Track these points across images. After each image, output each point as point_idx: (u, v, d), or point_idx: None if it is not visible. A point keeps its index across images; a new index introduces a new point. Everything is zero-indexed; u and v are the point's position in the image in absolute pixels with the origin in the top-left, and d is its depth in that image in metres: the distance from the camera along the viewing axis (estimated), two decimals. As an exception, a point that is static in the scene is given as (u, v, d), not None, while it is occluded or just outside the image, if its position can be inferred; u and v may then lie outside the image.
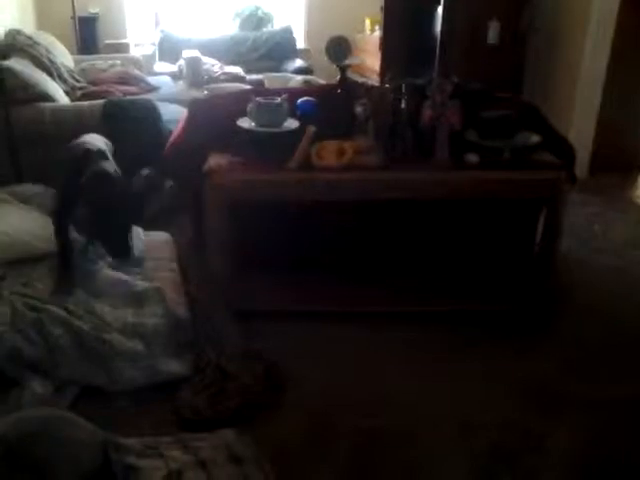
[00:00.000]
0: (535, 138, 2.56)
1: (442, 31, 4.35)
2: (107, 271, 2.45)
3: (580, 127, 4.26)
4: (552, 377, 2.25)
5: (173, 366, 2.14)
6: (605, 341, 2.48)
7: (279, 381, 2.17)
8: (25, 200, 3.02)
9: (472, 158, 2.49)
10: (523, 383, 2.21)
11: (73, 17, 5.74)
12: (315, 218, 2.74)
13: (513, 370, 2.28)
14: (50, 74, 4.04)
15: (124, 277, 2.42)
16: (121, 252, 2.50)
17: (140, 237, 2.80)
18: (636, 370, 2.31)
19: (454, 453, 1.89)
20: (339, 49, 2.65)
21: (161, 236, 2.92)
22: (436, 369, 2.29)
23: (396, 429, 1.98)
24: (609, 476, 1.82)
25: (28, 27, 5.12)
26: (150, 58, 5.95)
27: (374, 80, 5.21)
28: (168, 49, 5.91)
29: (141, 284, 2.38)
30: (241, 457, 1.67)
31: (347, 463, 1.84)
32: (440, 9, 4.36)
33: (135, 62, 5.34)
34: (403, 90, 2.52)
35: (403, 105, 2.49)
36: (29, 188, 3.18)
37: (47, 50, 4.25)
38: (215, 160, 2.49)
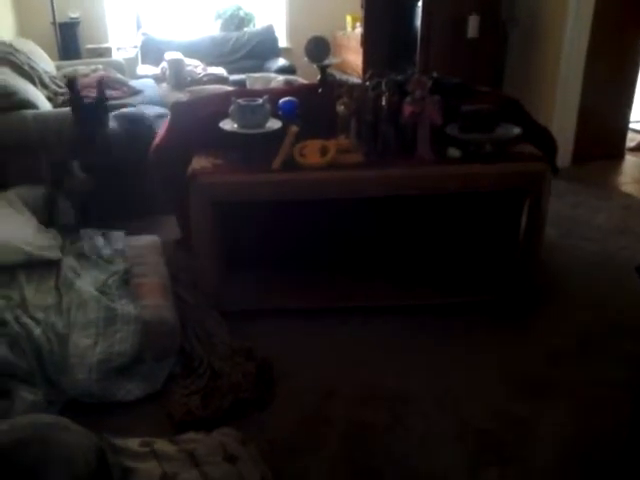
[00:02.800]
0: (516, 130, 2.59)
1: (422, 26, 4.37)
2: (89, 288, 2.40)
3: (562, 117, 4.31)
4: (539, 364, 2.29)
5: (136, 391, 2.13)
6: (590, 328, 2.52)
7: (270, 378, 2.20)
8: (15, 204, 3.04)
9: (454, 152, 2.52)
10: (510, 371, 2.25)
11: (53, 23, 5.73)
12: (301, 216, 2.76)
13: (500, 359, 2.31)
14: (32, 81, 4.02)
15: (104, 300, 2.33)
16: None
17: (121, 239, 2.82)
18: (619, 355, 2.34)
19: (443, 443, 1.92)
20: (318, 49, 2.67)
21: (149, 239, 2.92)
22: (423, 360, 2.32)
23: (386, 420, 2.01)
24: (599, 461, 1.85)
25: (7, 34, 5.10)
26: (133, 61, 5.94)
27: (356, 77, 5.23)
28: (150, 52, 5.90)
29: (122, 308, 2.30)
30: (236, 455, 1.67)
31: (340, 455, 1.87)
32: (420, 4, 4.38)
33: (117, 66, 5.32)
34: (383, 87, 2.54)
35: (384, 102, 2.51)
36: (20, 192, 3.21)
37: (27, 57, 4.23)
38: (199, 162, 2.51)
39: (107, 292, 2.42)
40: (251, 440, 1.78)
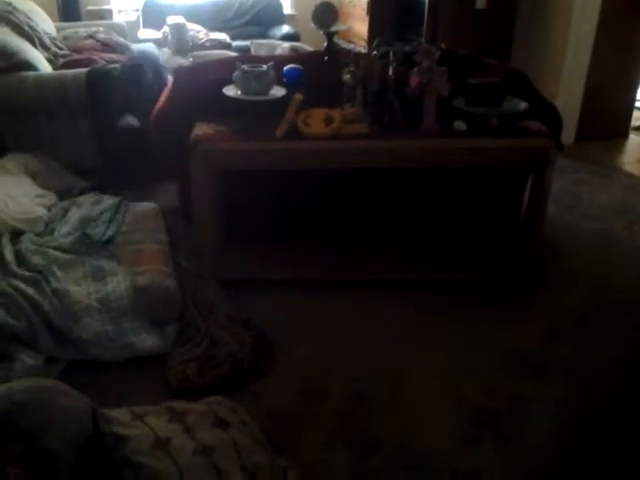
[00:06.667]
0: (522, 105, 2.55)
1: (430, -5, 4.29)
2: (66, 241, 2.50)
3: (568, 93, 4.26)
4: (538, 342, 2.29)
5: (150, 341, 2.16)
6: (590, 306, 2.52)
7: (268, 348, 2.20)
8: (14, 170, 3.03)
9: (460, 125, 2.48)
10: (509, 348, 2.25)
11: (54, -18, 5.60)
12: (303, 186, 2.74)
13: (498, 336, 2.31)
14: (31, 42, 3.95)
15: (87, 259, 2.39)
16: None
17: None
18: (618, 334, 2.35)
19: (440, 418, 1.92)
20: (326, 16, 2.61)
21: (148, 206, 2.89)
22: (422, 335, 2.32)
23: (383, 394, 2.01)
24: (594, 439, 1.86)
25: (7, -7, 4.99)
26: (134, 25, 5.83)
27: (362, 46, 5.15)
28: (152, 15, 5.78)
29: (107, 264, 2.36)
30: (227, 421, 1.68)
31: (337, 428, 1.87)
32: (428, -27, 4.29)
33: (119, 29, 5.23)
34: (391, 57, 2.49)
35: (390, 72, 2.46)
36: (19, 157, 3.19)
37: (27, 17, 4.15)
38: (201, 129, 2.47)
39: (85, 241, 2.49)
40: (246, 408, 1.79)
